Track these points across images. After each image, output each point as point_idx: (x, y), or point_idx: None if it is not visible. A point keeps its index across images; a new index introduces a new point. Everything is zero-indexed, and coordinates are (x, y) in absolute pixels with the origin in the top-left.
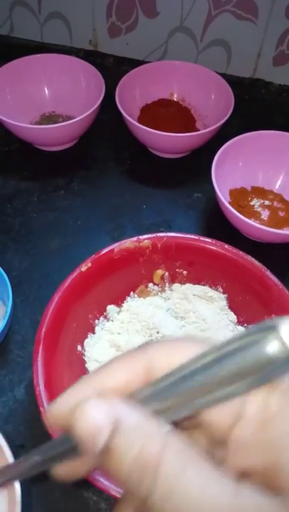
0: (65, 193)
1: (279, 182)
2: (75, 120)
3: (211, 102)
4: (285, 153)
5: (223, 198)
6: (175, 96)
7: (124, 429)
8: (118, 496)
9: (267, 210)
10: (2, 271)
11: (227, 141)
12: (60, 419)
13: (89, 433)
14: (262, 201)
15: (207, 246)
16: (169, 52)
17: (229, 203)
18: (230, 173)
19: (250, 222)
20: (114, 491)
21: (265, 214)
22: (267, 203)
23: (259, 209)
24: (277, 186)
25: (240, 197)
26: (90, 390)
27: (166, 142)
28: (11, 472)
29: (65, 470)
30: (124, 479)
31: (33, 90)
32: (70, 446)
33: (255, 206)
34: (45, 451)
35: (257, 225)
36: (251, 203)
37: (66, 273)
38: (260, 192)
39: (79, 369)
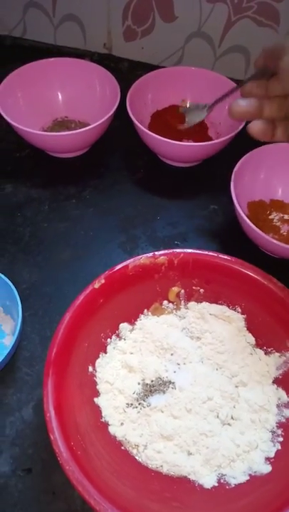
0: (77, 202)
1: None
2: (88, 128)
3: (225, 110)
4: None
5: (242, 212)
6: (187, 102)
7: None
8: None
9: (287, 224)
10: (11, 284)
11: (243, 149)
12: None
13: None
14: (281, 215)
15: (226, 264)
16: (186, 58)
17: (247, 216)
18: (249, 185)
19: (269, 238)
20: None
21: (284, 229)
22: (286, 217)
23: (278, 223)
24: None
25: (258, 210)
26: None
27: (177, 151)
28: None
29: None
30: None
31: (45, 95)
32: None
33: (275, 220)
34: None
35: (275, 241)
36: (270, 217)
37: (77, 286)
38: (279, 205)
39: (90, 391)
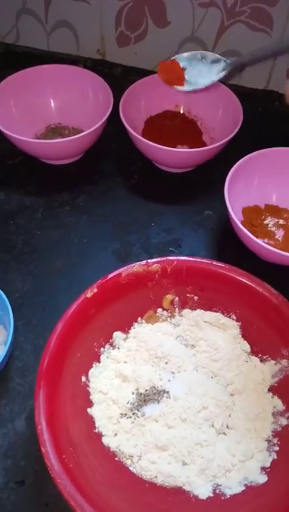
0: (71, 209)
1: None
2: (81, 135)
3: (219, 115)
4: None
5: (236, 218)
6: (181, 108)
7: None
8: None
9: (282, 229)
10: (3, 294)
11: (237, 154)
12: None
13: None
14: (276, 220)
15: (220, 271)
16: None
17: (241, 221)
18: (243, 190)
19: (263, 244)
20: None
21: (279, 234)
22: (281, 222)
23: (273, 228)
24: None
25: (253, 215)
26: None
27: (171, 157)
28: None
29: None
30: None
31: (38, 102)
32: None
33: (269, 225)
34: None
35: (269, 247)
36: (265, 222)
37: (71, 295)
38: (274, 210)
39: (83, 402)
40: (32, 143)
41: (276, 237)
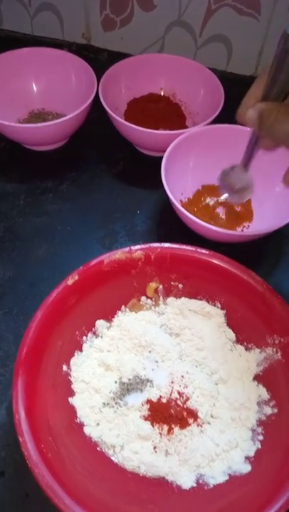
0: (54, 196)
1: None
2: (64, 119)
3: (202, 100)
4: (234, 145)
5: (176, 201)
6: (166, 91)
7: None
8: None
9: (222, 207)
10: None
11: None
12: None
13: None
14: (215, 199)
15: (205, 258)
16: (167, 48)
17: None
18: (180, 173)
19: (204, 224)
20: None
21: (222, 212)
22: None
23: (218, 209)
24: None
25: (194, 198)
26: (251, 100)
27: (151, 140)
28: None
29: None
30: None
31: (20, 86)
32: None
33: (211, 205)
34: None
35: (210, 226)
36: (206, 202)
37: (54, 283)
38: (211, 189)
39: (64, 391)
40: (14, 127)
41: (220, 216)
